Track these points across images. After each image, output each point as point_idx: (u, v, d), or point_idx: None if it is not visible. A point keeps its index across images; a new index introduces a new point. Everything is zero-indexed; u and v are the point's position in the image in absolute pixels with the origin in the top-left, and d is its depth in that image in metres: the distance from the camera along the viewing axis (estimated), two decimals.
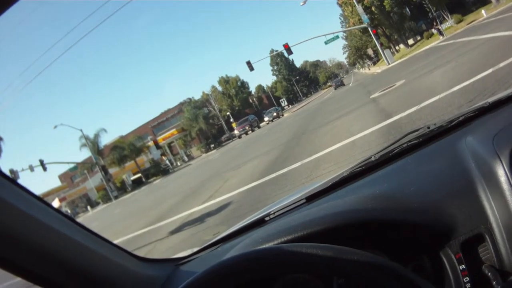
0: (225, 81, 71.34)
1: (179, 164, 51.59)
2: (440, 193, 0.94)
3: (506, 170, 0.83)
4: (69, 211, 44.01)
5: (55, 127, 38.44)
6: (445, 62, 12.34)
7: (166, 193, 17.92)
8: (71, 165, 46.68)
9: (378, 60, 72.17)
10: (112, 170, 45.16)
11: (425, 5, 34.43)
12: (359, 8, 36.23)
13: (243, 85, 72.60)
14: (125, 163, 44.68)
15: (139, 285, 1.05)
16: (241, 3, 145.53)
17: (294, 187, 6.19)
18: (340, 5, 49.62)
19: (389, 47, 45.73)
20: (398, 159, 1.21)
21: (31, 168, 32.47)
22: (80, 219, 31.82)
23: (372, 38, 37.62)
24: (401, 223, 0.91)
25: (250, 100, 73.70)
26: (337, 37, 42.63)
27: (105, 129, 51.39)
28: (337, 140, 8.32)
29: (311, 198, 1.26)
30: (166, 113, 61.53)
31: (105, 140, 51.58)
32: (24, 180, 41.93)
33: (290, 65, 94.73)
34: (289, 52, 35.78)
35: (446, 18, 34.55)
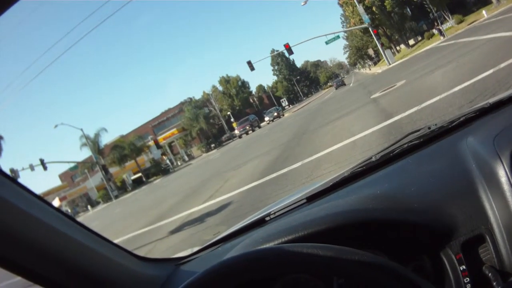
0: (225, 80, 71.39)
1: (179, 163, 51.62)
2: (441, 193, 0.94)
3: (507, 170, 0.83)
4: (69, 211, 44.04)
5: (56, 126, 38.51)
6: (446, 63, 12.34)
7: (166, 193, 17.93)
8: (72, 165, 46.76)
9: (378, 60, 72.18)
10: (113, 170, 45.20)
11: (426, 6, 34.41)
12: (360, 8, 36.23)
13: (244, 85, 72.64)
14: (125, 163, 44.73)
15: (139, 284, 1.05)
16: (242, 3, 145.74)
17: (294, 187, 6.19)
18: (341, 5, 49.66)
19: (390, 47, 45.68)
20: (399, 160, 1.21)
21: (32, 167, 32.51)
22: (81, 218, 31.86)
23: (373, 38, 37.61)
24: (401, 223, 0.91)
25: (251, 100, 73.72)
26: (338, 37, 42.62)
27: (105, 129, 51.70)
28: (338, 140, 8.32)
29: (312, 198, 1.26)
30: (167, 113, 61.57)
31: (106, 139, 51.64)
32: (25, 179, 41.97)
33: (290, 65, 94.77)
34: (290, 52, 35.79)
35: (447, 19, 34.56)
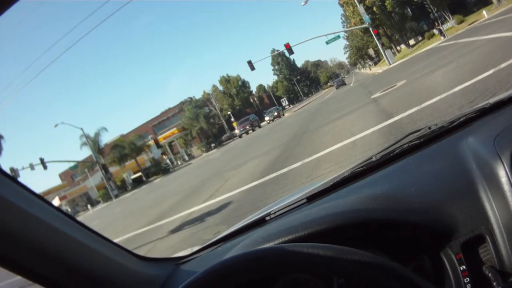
0: (226, 80, 71.39)
1: (179, 163, 51.62)
2: (441, 193, 0.94)
3: (507, 171, 0.83)
4: (69, 210, 44.05)
5: (56, 125, 38.55)
6: (446, 63, 12.34)
7: (166, 192, 17.92)
8: (72, 164, 46.82)
9: (379, 60, 72.14)
10: (113, 169, 45.22)
11: (427, 6, 34.35)
12: (361, 8, 36.22)
13: (244, 85, 72.62)
14: (125, 162, 44.74)
15: (139, 284, 1.05)
16: (242, 3, 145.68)
17: (294, 187, 6.18)
18: (342, 5, 49.66)
19: (390, 47, 45.66)
20: (399, 160, 1.21)
21: (32, 167, 32.51)
22: (81, 217, 31.85)
23: (373, 38, 37.59)
24: (401, 223, 0.91)
25: (251, 100, 73.67)
26: (338, 37, 42.59)
27: (105, 128, 51.71)
28: (338, 140, 8.32)
29: (312, 198, 1.26)
30: (167, 112, 61.57)
31: (106, 138, 51.60)
32: (25, 178, 41.93)
33: (291, 65, 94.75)
34: (290, 51, 35.77)
35: (448, 19, 34.54)
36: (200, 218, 7.25)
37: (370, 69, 58.66)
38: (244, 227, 1.32)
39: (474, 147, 0.98)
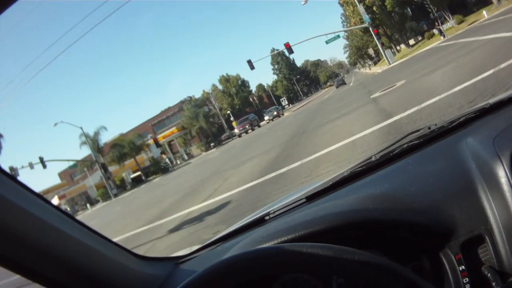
0: (225, 79, 71.35)
1: (179, 162, 51.58)
2: (441, 193, 0.94)
3: (507, 171, 0.83)
4: (68, 209, 44.01)
5: (55, 124, 38.45)
6: (446, 63, 12.34)
7: (165, 192, 17.91)
8: (71, 163, 46.81)
9: (379, 60, 72.17)
10: (112, 168, 45.18)
11: (427, 6, 34.36)
12: (361, 8, 36.23)
13: (244, 84, 72.60)
14: (125, 161, 44.70)
15: (138, 283, 1.05)
16: (242, 2, 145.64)
17: (294, 187, 6.18)
18: (341, 5, 49.67)
19: (390, 47, 45.69)
20: (399, 159, 1.21)
21: (31, 166, 32.49)
22: (80, 216, 31.84)
23: (373, 38, 37.59)
24: (401, 223, 0.91)
25: (251, 99, 73.66)
26: (338, 36, 42.61)
27: (105, 127, 51.45)
28: (337, 140, 8.32)
29: (312, 198, 1.26)
30: (167, 111, 61.53)
31: (105, 138, 51.59)
32: (24, 177, 41.95)
33: (291, 64, 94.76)
34: (290, 51, 35.76)
35: (448, 19, 34.55)
36: (199, 218, 7.25)
37: (370, 69, 58.67)
38: (243, 227, 1.32)
39: (474, 147, 0.98)
